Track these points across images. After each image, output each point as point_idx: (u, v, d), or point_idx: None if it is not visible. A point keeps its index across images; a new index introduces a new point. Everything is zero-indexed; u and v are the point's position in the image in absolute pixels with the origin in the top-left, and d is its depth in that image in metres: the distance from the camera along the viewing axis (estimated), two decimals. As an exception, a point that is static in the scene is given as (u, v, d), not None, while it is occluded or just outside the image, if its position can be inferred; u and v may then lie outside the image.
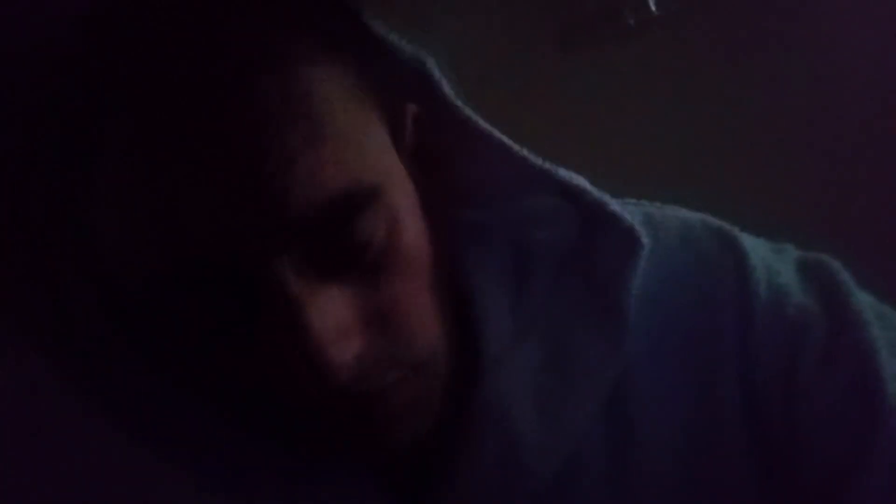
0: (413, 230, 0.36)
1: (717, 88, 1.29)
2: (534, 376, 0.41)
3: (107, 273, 0.35)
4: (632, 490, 0.41)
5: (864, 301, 0.42)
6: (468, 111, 0.40)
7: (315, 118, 0.33)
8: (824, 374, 0.40)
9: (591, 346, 0.41)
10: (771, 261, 0.43)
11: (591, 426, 0.41)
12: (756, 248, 0.44)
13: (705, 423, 0.41)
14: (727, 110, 1.29)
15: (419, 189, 0.39)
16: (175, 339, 0.35)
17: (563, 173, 0.42)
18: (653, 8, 1.28)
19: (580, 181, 0.42)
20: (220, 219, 0.31)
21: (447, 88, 0.40)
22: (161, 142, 0.32)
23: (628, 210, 0.45)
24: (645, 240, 0.41)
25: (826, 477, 0.38)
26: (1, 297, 0.37)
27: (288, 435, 0.38)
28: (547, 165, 0.42)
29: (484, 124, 0.41)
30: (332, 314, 0.32)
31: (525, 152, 0.41)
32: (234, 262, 0.32)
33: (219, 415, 0.39)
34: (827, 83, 1.27)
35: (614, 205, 0.42)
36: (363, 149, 0.34)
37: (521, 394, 0.40)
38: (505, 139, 0.41)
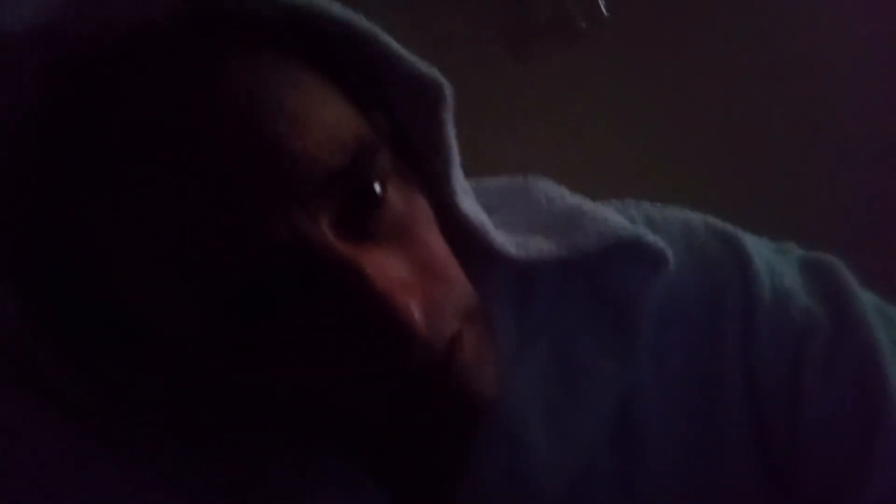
0: (420, 196, 0.37)
1: (673, 87, 1.30)
2: (541, 389, 0.40)
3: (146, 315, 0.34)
4: (640, 500, 0.40)
5: (868, 302, 0.41)
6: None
7: (309, 85, 0.34)
8: (828, 379, 0.39)
9: (599, 360, 0.41)
10: (775, 263, 0.43)
11: (599, 437, 0.40)
12: (759, 250, 0.43)
13: (710, 429, 0.40)
14: (685, 109, 1.30)
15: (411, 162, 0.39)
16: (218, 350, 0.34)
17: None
18: (604, 10, 1.28)
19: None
20: (256, 194, 0.31)
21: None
22: (168, 162, 0.31)
23: (629, 213, 0.45)
24: (670, 259, 0.41)
25: (830, 480, 0.38)
26: None
27: (342, 434, 0.38)
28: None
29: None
30: (388, 268, 0.33)
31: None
32: (280, 236, 0.31)
33: (225, 420, 0.39)
34: (784, 75, 1.28)
35: (641, 231, 0.41)
36: (351, 121, 0.35)
37: (530, 407, 0.40)
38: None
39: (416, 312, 0.32)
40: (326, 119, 0.33)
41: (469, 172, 0.50)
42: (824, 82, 1.27)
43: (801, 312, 0.41)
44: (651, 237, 0.41)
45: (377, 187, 0.34)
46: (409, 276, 0.34)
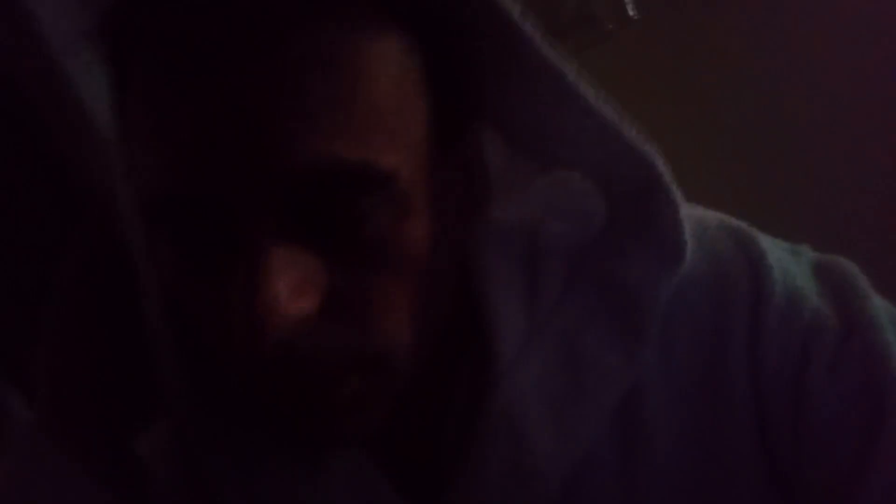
0: (424, 230, 0.35)
1: (698, 90, 1.30)
2: (546, 381, 0.40)
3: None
4: (642, 493, 0.40)
5: (879, 305, 0.41)
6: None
7: (353, 87, 0.32)
8: (834, 378, 0.39)
9: (605, 354, 0.40)
10: (787, 263, 0.43)
11: (602, 429, 0.40)
12: (773, 249, 0.43)
13: (713, 425, 0.40)
14: (709, 112, 1.29)
15: (455, 195, 0.38)
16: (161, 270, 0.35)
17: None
18: (631, 12, 1.27)
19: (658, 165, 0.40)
20: (225, 155, 0.31)
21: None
22: (189, 71, 0.31)
23: None
24: (687, 255, 0.40)
25: (831, 479, 0.38)
26: None
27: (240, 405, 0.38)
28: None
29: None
30: (294, 271, 0.32)
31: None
32: (226, 203, 0.31)
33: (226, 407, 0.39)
34: (807, 80, 1.27)
35: (676, 207, 0.40)
36: (393, 132, 0.33)
37: (534, 399, 0.40)
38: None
39: (285, 315, 0.31)
40: (343, 125, 0.32)
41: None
42: (851, 85, 1.26)
43: (812, 313, 0.40)
44: (679, 221, 0.40)
45: (362, 219, 0.33)
46: (316, 292, 0.32)
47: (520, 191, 0.43)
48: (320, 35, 0.31)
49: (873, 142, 1.26)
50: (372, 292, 0.34)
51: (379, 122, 0.32)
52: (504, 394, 0.39)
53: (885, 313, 0.40)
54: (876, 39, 1.24)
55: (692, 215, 0.45)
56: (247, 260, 0.31)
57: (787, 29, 1.27)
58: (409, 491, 0.41)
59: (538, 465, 0.39)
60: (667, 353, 0.41)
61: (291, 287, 0.31)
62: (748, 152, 1.28)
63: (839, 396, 0.38)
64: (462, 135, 0.38)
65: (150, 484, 0.40)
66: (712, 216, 0.46)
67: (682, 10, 1.29)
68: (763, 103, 1.28)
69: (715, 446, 0.40)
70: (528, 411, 0.39)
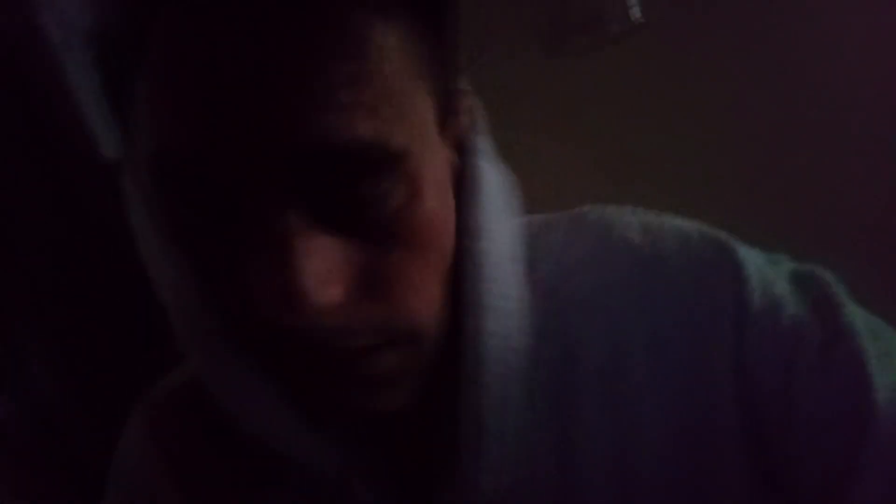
0: (434, 207, 0.36)
1: (701, 93, 1.30)
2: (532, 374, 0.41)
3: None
4: (631, 481, 0.41)
5: (855, 312, 0.42)
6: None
7: (366, 64, 0.32)
8: (817, 384, 0.40)
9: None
10: (766, 271, 0.43)
11: (587, 415, 0.41)
12: (752, 258, 0.44)
13: (701, 427, 0.41)
14: (711, 115, 1.29)
15: (453, 174, 0.39)
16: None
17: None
18: (638, 14, 1.28)
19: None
20: (239, 122, 0.31)
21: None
22: (209, 34, 0.31)
23: (626, 218, 0.46)
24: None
25: (819, 483, 0.39)
26: None
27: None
28: None
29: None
30: (321, 259, 0.32)
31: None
32: (235, 171, 0.31)
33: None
34: (812, 85, 1.27)
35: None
36: (403, 111, 0.33)
37: (516, 395, 0.40)
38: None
39: (318, 303, 0.31)
40: (359, 102, 0.31)
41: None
42: (860, 89, 1.25)
43: (791, 320, 0.41)
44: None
45: (376, 197, 0.33)
46: (343, 275, 0.33)
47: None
48: (339, 14, 0.31)
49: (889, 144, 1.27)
50: (394, 271, 0.34)
51: (390, 102, 0.32)
52: (480, 387, 0.40)
53: (862, 320, 0.41)
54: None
55: (674, 224, 0.46)
56: (273, 242, 0.31)
57: (792, 32, 1.27)
58: (405, 480, 0.42)
59: (525, 461, 0.40)
60: (652, 351, 0.42)
61: (320, 276, 0.31)
62: (751, 154, 1.29)
63: (822, 401, 0.39)
64: (454, 114, 0.39)
65: None
66: (691, 226, 0.46)
67: (688, 12, 1.29)
68: (767, 106, 1.28)
69: (700, 445, 0.41)
70: (508, 408, 0.40)
